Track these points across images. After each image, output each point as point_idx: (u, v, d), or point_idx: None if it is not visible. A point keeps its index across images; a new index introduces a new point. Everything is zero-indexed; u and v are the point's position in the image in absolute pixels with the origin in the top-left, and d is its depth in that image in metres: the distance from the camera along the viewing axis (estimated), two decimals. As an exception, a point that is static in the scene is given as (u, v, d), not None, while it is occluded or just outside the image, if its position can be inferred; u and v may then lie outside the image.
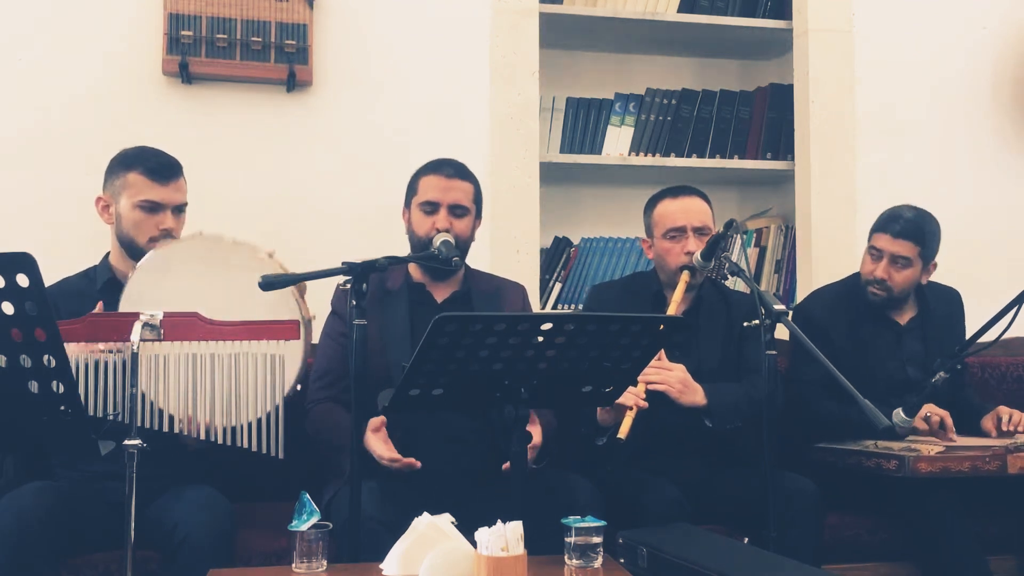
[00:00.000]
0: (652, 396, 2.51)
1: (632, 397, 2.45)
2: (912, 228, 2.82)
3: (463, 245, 2.56)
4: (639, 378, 2.49)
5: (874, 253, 2.87)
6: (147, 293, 2.26)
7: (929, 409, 2.72)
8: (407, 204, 2.64)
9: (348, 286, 2.16)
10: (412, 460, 2.30)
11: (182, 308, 2.12)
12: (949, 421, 2.71)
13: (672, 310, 2.63)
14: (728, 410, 2.61)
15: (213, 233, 2.37)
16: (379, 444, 2.31)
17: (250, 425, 2.13)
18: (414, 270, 2.66)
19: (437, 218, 2.54)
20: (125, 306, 2.28)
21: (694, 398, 2.59)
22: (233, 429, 2.15)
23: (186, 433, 2.15)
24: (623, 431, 2.44)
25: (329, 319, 2.65)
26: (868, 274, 2.88)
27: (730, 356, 2.80)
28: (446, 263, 2.42)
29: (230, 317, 2.12)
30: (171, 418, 2.14)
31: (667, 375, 2.56)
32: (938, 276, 2.98)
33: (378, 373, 2.35)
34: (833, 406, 2.74)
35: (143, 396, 2.07)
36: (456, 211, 2.56)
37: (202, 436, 2.15)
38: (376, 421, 2.32)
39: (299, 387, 2.31)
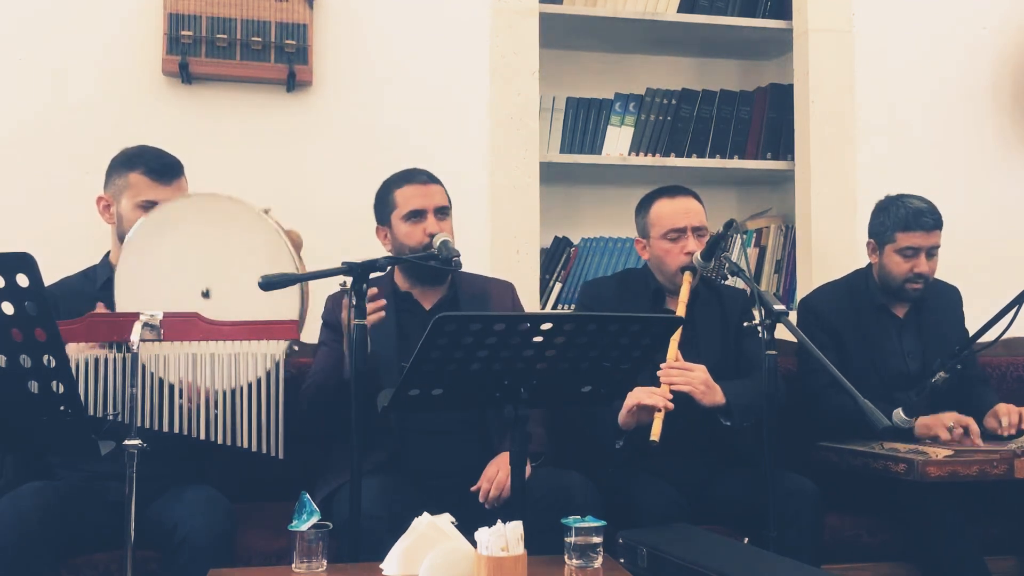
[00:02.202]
0: (677, 397, 2.50)
1: (660, 399, 2.45)
2: (936, 216, 2.87)
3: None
4: (663, 380, 2.49)
5: (908, 252, 2.87)
6: (146, 253, 2.26)
7: (955, 419, 2.72)
8: (384, 221, 2.64)
9: (348, 286, 2.16)
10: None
11: (180, 266, 2.17)
12: (975, 427, 2.71)
13: (681, 311, 2.63)
14: (746, 409, 2.61)
15: (208, 192, 2.38)
16: None
17: (250, 385, 2.12)
18: (400, 280, 2.67)
19: (427, 224, 2.56)
20: (123, 269, 2.27)
21: (715, 398, 2.58)
22: (233, 390, 2.14)
23: (186, 401, 2.14)
24: (655, 433, 2.42)
25: (322, 330, 2.65)
26: (905, 274, 2.88)
27: (729, 352, 2.80)
28: (447, 263, 2.42)
29: (227, 273, 2.17)
30: (171, 386, 2.14)
31: (690, 376, 2.55)
32: (937, 274, 2.98)
33: (368, 382, 2.34)
34: (844, 399, 2.74)
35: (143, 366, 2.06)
36: (440, 213, 2.59)
37: (202, 406, 2.14)
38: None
39: (296, 347, 2.28)
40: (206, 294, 2.19)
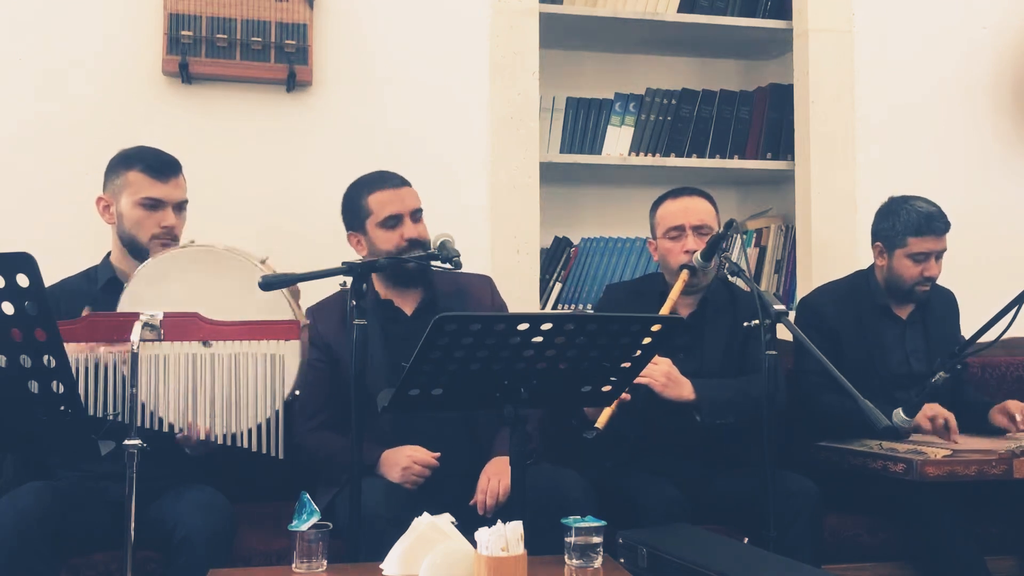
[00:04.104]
0: (636, 390, 2.50)
1: None
2: (946, 219, 2.88)
3: (425, 246, 2.54)
4: None
5: (920, 257, 2.87)
6: (144, 302, 2.26)
7: (935, 411, 2.72)
8: (358, 227, 2.61)
9: (347, 286, 2.17)
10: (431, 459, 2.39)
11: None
12: (953, 423, 2.71)
13: (666, 309, 2.63)
14: (719, 406, 2.61)
15: (206, 242, 2.36)
16: (414, 450, 2.41)
17: (250, 431, 2.15)
18: (379, 287, 2.66)
19: (404, 229, 2.54)
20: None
21: (680, 392, 2.58)
22: (234, 435, 2.16)
23: (187, 437, 2.17)
24: (601, 421, 2.44)
25: (309, 348, 2.60)
26: (916, 277, 2.89)
27: (733, 355, 2.80)
28: (447, 262, 2.42)
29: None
30: (171, 425, 2.16)
31: (652, 368, 2.55)
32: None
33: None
34: (835, 399, 2.75)
35: (143, 405, 2.08)
36: (415, 216, 2.58)
37: (202, 437, 2.16)
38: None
39: (297, 392, 2.27)
40: (206, 343, 2.19)
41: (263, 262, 2.30)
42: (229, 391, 2.14)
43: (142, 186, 2.44)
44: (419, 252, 2.46)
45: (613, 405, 2.42)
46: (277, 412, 2.14)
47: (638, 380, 2.49)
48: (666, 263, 2.78)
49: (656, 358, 2.57)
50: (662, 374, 2.57)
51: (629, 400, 2.44)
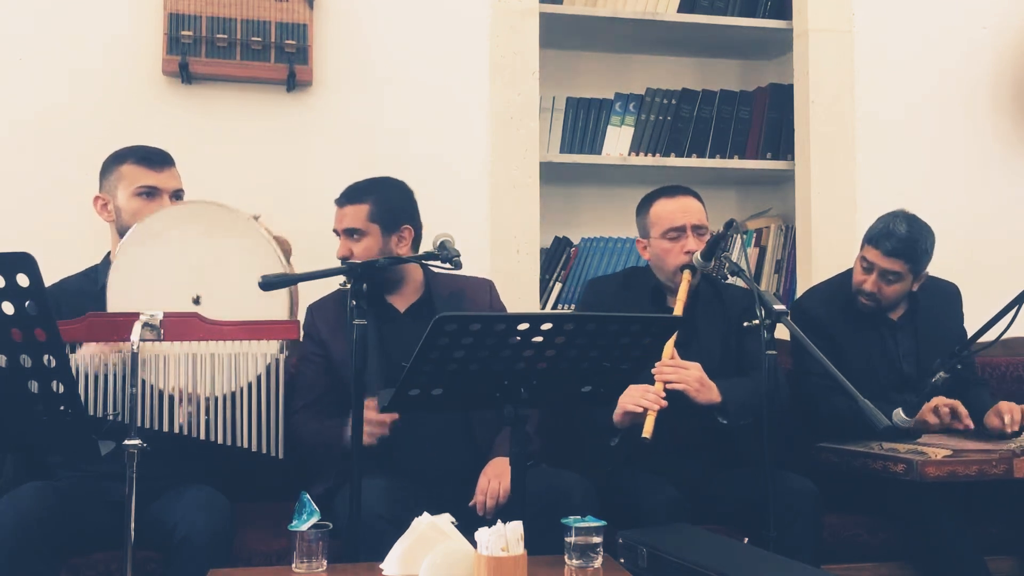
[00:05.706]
0: (669, 395, 2.50)
1: (654, 397, 2.45)
2: (903, 247, 2.77)
3: (373, 262, 2.44)
4: (657, 378, 2.50)
5: (865, 265, 2.86)
6: (136, 261, 2.27)
7: (938, 401, 2.72)
8: None
9: (347, 286, 2.17)
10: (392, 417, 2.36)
11: (171, 274, 2.17)
12: (962, 409, 2.71)
13: (679, 310, 2.63)
14: (742, 407, 2.61)
15: (199, 199, 2.39)
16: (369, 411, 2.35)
17: (249, 385, 2.14)
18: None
19: (339, 245, 2.60)
20: (115, 277, 2.28)
21: (710, 396, 2.58)
22: (233, 408, 2.15)
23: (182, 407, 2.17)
24: (647, 431, 2.43)
25: (305, 341, 2.62)
26: (858, 284, 2.88)
27: (729, 352, 2.79)
28: (447, 262, 2.42)
29: (217, 280, 2.17)
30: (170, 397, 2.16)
31: (685, 374, 2.55)
32: (936, 273, 2.98)
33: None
34: (842, 401, 2.74)
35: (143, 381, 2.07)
36: (351, 235, 2.59)
37: (201, 411, 2.15)
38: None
39: (286, 353, 2.25)
40: (196, 301, 2.19)
41: (256, 218, 2.33)
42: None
43: (137, 176, 2.47)
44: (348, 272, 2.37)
45: (655, 413, 2.44)
46: (268, 366, 2.13)
47: (673, 386, 2.51)
48: (663, 263, 2.76)
49: (687, 363, 2.58)
50: (696, 379, 2.56)
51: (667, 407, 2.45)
